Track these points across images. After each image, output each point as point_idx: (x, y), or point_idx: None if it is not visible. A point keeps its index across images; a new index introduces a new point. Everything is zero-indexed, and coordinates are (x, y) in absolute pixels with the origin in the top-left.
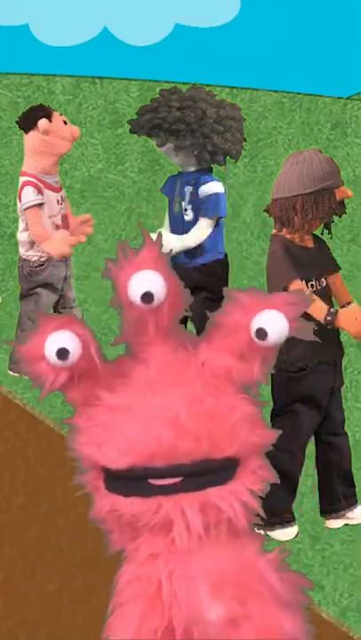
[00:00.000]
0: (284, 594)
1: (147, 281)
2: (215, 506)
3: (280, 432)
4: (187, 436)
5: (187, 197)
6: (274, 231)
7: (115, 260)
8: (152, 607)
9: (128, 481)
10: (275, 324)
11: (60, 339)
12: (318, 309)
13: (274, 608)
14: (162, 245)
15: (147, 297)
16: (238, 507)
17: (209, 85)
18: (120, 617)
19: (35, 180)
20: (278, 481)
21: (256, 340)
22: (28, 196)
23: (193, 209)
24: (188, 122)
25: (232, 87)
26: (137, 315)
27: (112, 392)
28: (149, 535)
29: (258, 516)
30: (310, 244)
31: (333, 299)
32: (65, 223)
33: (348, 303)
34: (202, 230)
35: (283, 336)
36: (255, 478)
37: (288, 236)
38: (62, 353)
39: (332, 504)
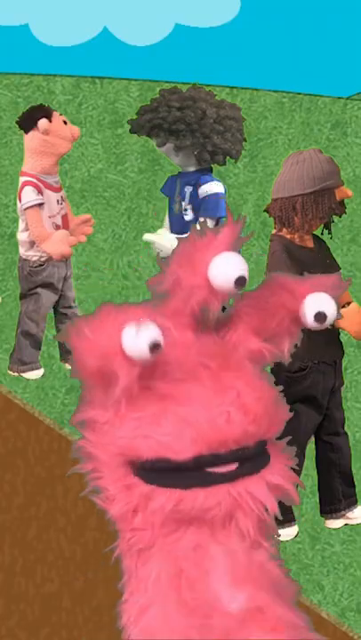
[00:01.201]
0: (284, 586)
1: (239, 264)
2: (277, 486)
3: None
4: (253, 418)
5: (187, 197)
6: (274, 231)
7: (189, 239)
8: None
9: (181, 472)
10: (330, 306)
11: (151, 332)
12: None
13: (281, 602)
14: (241, 228)
15: (241, 281)
16: (290, 485)
17: (209, 85)
18: (161, 614)
19: (35, 180)
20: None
21: (314, 323)
22: (28, 195)
23: (193, 209)
24: (188, 122)
25: (232, 87)
26: (203, 298)
27: (160, 379)
28: (193, 527)
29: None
30: (310, 244)
31: None
32: (65, 223)
33: (348, 303)
34: None
35: (332, 320)
36: (285, 456)
37: (288, 236)
38: (156, 347)
39: (332, 504)
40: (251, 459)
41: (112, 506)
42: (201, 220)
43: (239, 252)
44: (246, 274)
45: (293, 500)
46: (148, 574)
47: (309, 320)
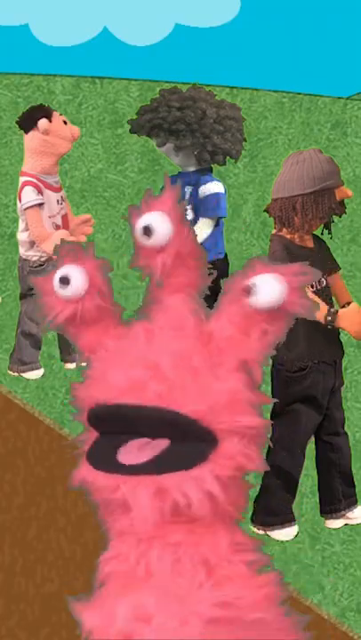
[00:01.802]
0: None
1: (149, 217)
2: (170, 492)
3: (270, 422)
4: (160, 379)
5: (187, 197)
6: (274, 231)
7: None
8: (125, 586)
9: (101, 448)
10: (267, 284)
11: (65, 269)
12: (318, 309)
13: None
14: (179, 197)
15: (146, 230)
16: (200, 495)
17: (209, 85)
18: (99, 598)
19: (35, 180)
20: (269, 473)
21: (246, 299)
22: (28, 195)
23: (193, 209)
24: (188, 122)
25: (232, 87)
26: (145, 257)
27: (114, 340)
28: (118, 512)
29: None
30: (310, 243)
31: (333, 299)
32: (65, 223)
33: (348, 303)
34: (202, 230)
35: (274, 299)
36: (230, 464)
37: (288, 236)
38: (62, 280)
39: (332, 504)
40: (166, 430)
41: None
42: (201, 219)
43: (175, 215)
44: (158, 226)
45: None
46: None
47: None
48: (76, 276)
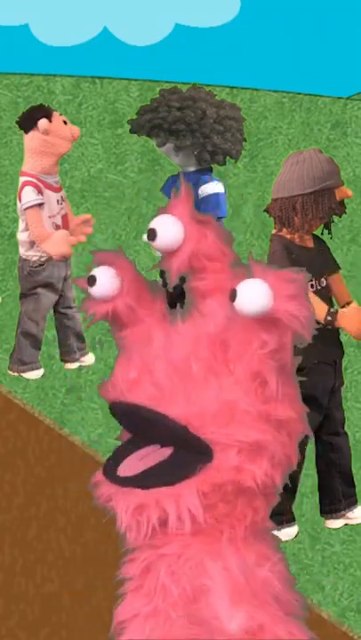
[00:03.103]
0: (287, 601)
1: (155, 221)
2: (150, 507)
3: (274, 438)
4: (153, 382)
5: None
6: (274, 231)
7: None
8: (136, 594)
9: (116, 454)
10: (251, 290)
11: (95, 270)
12: (318, 309)
13: (282, 617)
14: (192, 200)
15: (150, 234)
16: (178, 512)
17: (209, 85)
18: (122, 604)
19: (35, 180)
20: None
21: (231, 303)
22: (28, 195)
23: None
24: (188, 122)
25: (232, 87)
26: (164, 261)
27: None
28: (171, 535)
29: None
30: (310, 243)
31: (333, 299)
32: (65, 223)
33: (348, 303)
34: None
35: (258, 307)
36: (222, 479)
37: (288, 236)
38: (90, 280)
39: (332, 504)
40: (158, 436)
41: None
42: None
43: (186, 217)
44: (161, 227)
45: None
46: (150, 579)
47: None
48: (105, 277)
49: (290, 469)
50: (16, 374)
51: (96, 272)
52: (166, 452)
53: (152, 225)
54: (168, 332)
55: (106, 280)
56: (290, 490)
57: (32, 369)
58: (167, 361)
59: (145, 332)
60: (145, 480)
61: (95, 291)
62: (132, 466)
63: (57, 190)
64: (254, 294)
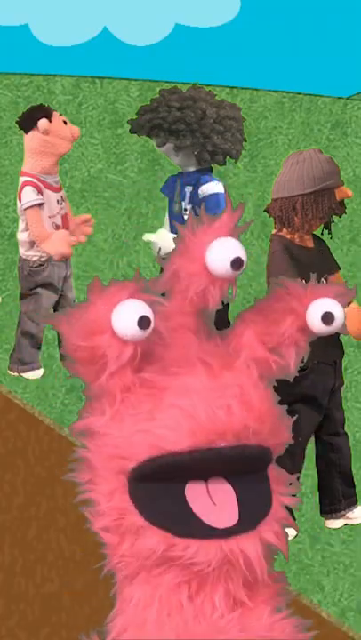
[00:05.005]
0: None
1: (235, 246)
2: (270, 544)
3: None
4: (257, 415)
5: (187, 197)
6: (274, 231)
7: (186, 226)
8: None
9: (167, 505)
10: (337, 309)
11: (139, 307)
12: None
13: None
14: (239, 216)
15: (237, 263)
16: (282, 545)
17: (209, 85)
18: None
19: (35, 180)
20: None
21: (321, 325)
22: (28, 195)
23: (193, 209)
24: (188, 122)
25: (232, 87)
26: (202, 286)
27: (157, 374)
28: (180, 567)
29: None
30: (310, 244)
31: None
32: (65, 223)
33: (348, 303)
34: None
35: (342, 323)
36: (284, 489)
37: (288, 236)
38: (144, 321)
39: (332, 504)
40: (250, 468)
41: (99, 520)
42: (188, 207)
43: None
44: (244, 256)
45: (284, 555)
46: (130, 597)
47: (317, 322)
48: (151, 315)
49: None
50: (16, 374)
51: (145, 311)
52: (225, 484)
53: (235, 252)
54: (206, 365)
55: (152, 318)
56: None
57: (32, 369)
58: (252, 386)
59: (157, 368)
60: (249, 522)
61: (144, 333)
62: (223, 516)
63: (57, 190)
64: (341, 313)
